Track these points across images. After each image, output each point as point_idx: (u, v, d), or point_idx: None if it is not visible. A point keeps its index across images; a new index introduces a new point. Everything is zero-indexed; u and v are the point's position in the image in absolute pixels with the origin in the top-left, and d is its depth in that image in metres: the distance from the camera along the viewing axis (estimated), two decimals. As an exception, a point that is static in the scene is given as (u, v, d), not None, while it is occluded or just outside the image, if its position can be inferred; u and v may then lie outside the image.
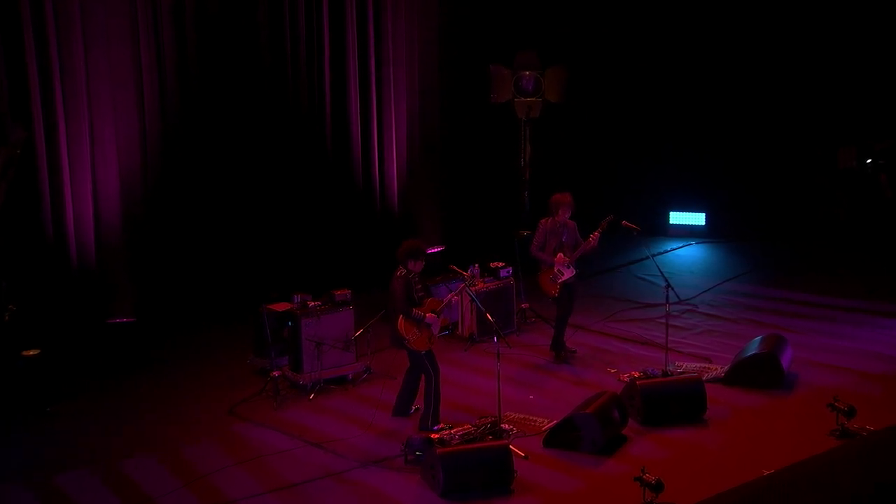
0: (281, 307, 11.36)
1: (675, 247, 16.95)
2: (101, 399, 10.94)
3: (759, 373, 10.67)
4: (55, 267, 12.13)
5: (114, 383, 11.33)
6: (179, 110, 13.14)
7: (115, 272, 12.59)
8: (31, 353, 10.57)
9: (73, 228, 12.23)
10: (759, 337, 11.26)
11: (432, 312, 9.75)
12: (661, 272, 11.00)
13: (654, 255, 10.86)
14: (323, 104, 14.47)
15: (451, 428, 9.32)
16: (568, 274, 11.11)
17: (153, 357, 12.08)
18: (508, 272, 12.81)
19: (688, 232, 17.67)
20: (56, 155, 12.03)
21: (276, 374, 10.81)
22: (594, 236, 11.02)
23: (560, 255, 11.10)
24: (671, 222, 17.82)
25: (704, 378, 10.55)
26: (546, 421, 9.94)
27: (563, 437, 9.42)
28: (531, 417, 10.11)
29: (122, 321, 12.29)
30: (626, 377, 10.94)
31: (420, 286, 9.88)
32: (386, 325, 12.19)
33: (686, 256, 16.63)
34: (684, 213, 17.89)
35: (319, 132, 14.51)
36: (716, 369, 11.18)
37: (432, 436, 9.15)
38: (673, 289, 10.94)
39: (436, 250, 15.28)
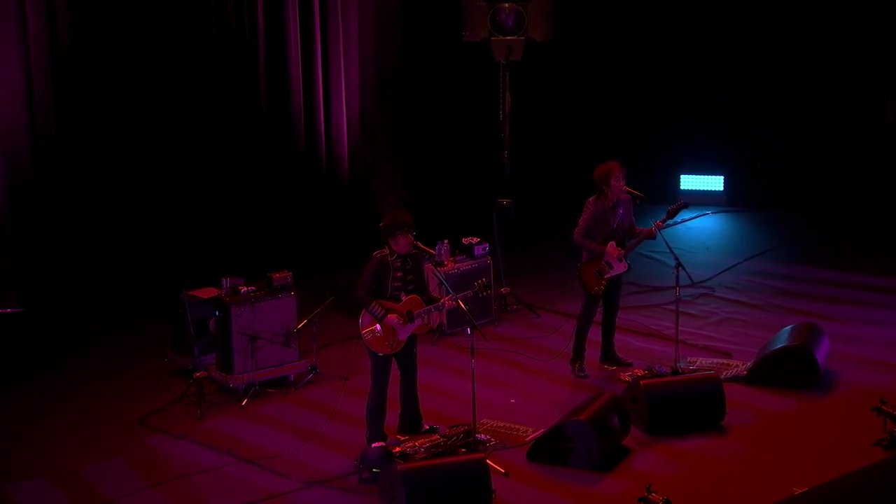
0: (206, 293, 11.33)
1: (687, 217, 16.98)
2: (-18, 408, 10.89)
3: (788, 370, 10.74)
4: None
5: (-2, 388, 11.27)
6: (74, 48, 13.01)
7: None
8: None
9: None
10: (790, 327, 11.35)
11: (400, 315, 9.47)
12: (669, 248, 11.03)
13: (661, 224, 10.89)
14: (256, 41, 14.37)
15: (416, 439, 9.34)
16: (619, 269, 11.02)
17: (46, 356, 11.99)
18: (484, 249, 12.82)
19: (703, 199, 17.71)
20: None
21: (200, 375, 10.79)
22: (657, 225, 10.91)
23: (612, 244, 10.92)
24: (682, 187, 17.87)
25: (723, 376, 10.61)
26: (531, 430, 9.99)
27: (552, 449, 9.45)
28: (513, 426, 10.15)
29: (5, 312, 12.18)
30: (627, 376, 11.01)
31: (402, 273, 9.50)
32: (338, 316, 12.28)
33: (701, 229, 16.68)
34: (698, 177, 17.96)
35: (251, 77, 14.44)
36: (737, 366, 11.27)
37: (393, 448, 9.16)
38: (685, 269, 10.97)
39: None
